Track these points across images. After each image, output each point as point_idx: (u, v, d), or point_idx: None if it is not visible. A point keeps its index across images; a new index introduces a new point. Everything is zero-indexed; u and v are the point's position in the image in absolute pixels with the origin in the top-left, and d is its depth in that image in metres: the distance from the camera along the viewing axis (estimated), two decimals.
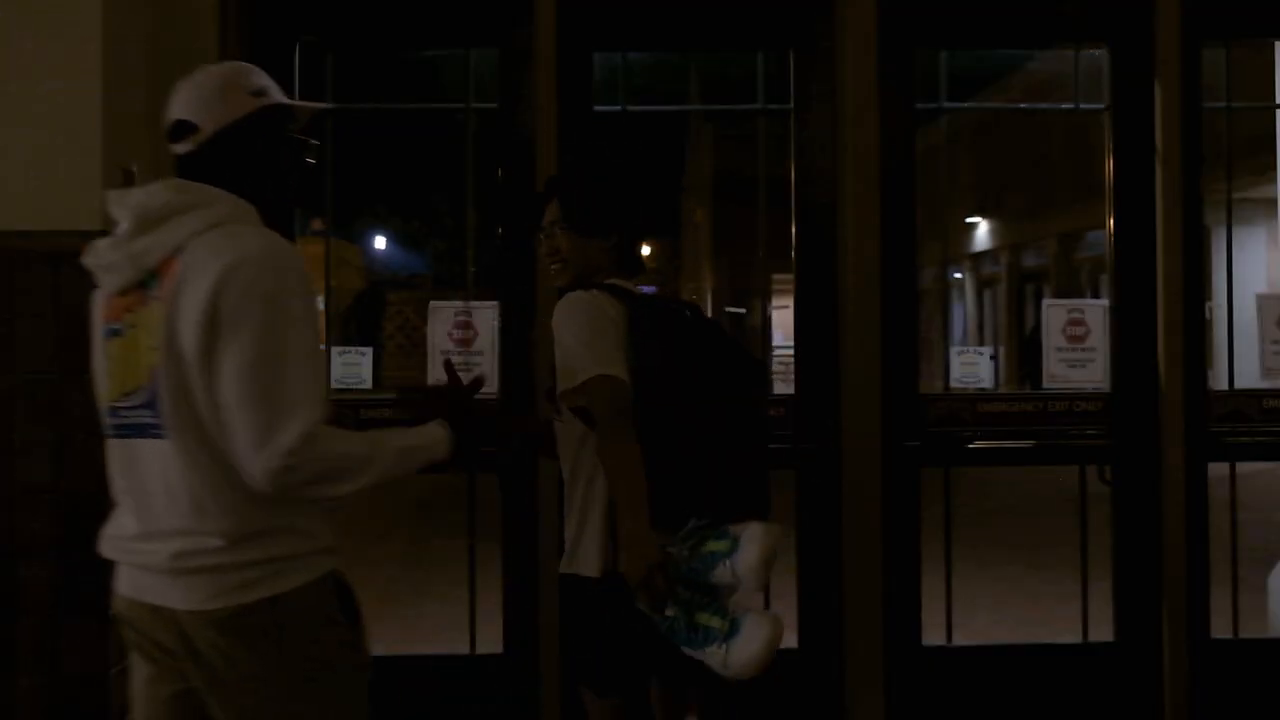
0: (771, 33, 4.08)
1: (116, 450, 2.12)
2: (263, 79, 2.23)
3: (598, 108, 4.03)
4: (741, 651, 2.46)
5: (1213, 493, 4.03)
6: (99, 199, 3.34)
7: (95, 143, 3.35)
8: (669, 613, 2.48)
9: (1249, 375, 4.11)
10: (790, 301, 4.08)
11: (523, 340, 3.91)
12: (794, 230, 4.07)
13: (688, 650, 2.51)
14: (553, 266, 2.85)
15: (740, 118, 4.68)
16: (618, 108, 4.06)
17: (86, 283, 2.16)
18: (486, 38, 3.99)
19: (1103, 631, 4.08)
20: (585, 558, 2.67)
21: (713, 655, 2.48)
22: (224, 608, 1.97)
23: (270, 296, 1.93)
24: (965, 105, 10.84)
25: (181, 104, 2.17)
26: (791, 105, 4.09)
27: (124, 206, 2.07)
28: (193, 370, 1.94)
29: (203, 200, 2.05)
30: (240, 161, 2.12)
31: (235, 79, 2.18)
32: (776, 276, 4.45)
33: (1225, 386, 4.12)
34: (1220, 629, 4.07)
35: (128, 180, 3.51)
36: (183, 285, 1.95)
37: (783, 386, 4.13)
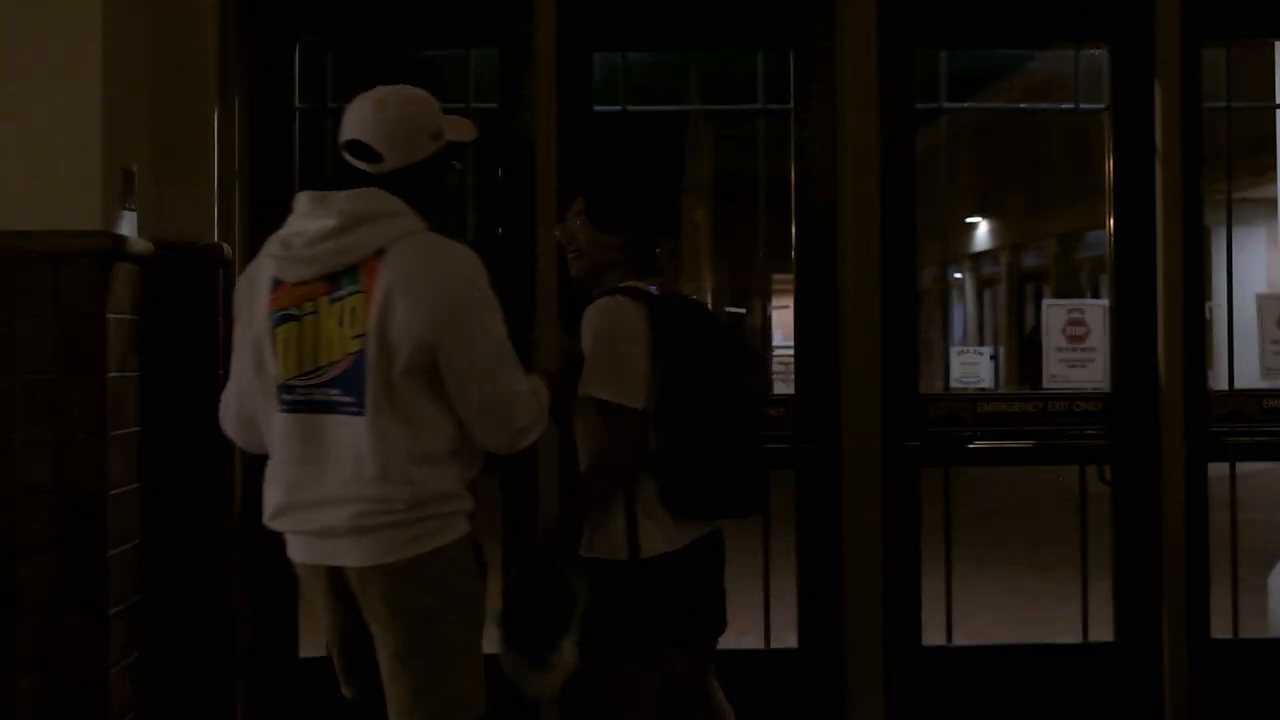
0: (771, 33, 4.08)
1: (289, 424, 2.37)
2: (439, 116, 2.50)
3: (598, 108, 4.03)
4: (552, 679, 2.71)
5: (1213, 493, 4.03)
6: (99, 199, 3.36)
7: (95, 143, 3.35)
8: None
9: (1249, 375, 4.11)
10: (790, 301, 4.08)
11: (523, 340, 3.89)
12: (794, 230, 4.07)
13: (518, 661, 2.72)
14: (569, 254, 3.02)
15: (740, 118, 4.69)
16: (618, 108, 4.06)
17: (87, 283, 2.17)
18: (486, 38, 3.99)
19: (1103, 631, 4.08)
20: (611, 542, 2.82)
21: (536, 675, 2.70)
22: (399, 560, 2.33)
23: (484, 293, 2.37)
24: (965, 105, 10.84)
25: (370, 131, 2.41)
26: (791, 105, 4.09)
27: (327, 206, 2.35)
28: (401, 358, 2.27)
29: (398, 209, 2.36)
30: (414, 189, 2.41)
31: (423, 122, 2.45)
32: (776, 276, 4.46)
33: (1225, 386, 4.12)
34: (1220, 629, 4.07)
35: (128, 180, 3.51)
36: (394, 288, 2.28)
37: (783, 386, 4.14)
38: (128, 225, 3.51)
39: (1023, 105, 20.62)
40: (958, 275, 25.99)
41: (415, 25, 4.01)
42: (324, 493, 2.34)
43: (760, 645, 4.13)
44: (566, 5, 3.92)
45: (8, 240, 3.31)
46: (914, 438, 3.98)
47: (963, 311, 26.27)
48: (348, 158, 2.42)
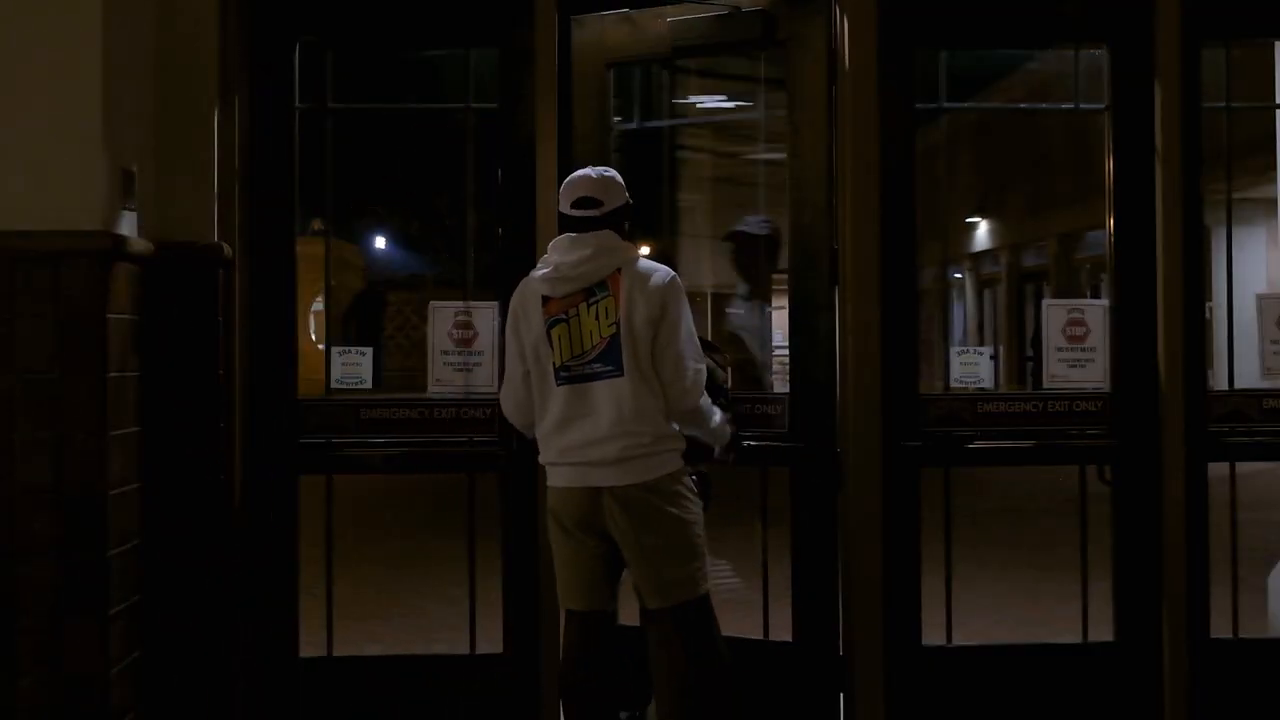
0: (771, 33, 4.08)
1: (564, 392, 3.44)
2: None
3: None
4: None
5: (1213, 493, 4.03)
6: (99, 199, 3.36)
7: (95, 143, 3.36)
8: None
9: (1249, 375, 4.11)
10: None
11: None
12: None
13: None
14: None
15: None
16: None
17: (87, 283, 2.17)
18: (486, 38, 3.99)
19: (1103, 631, 4.08)
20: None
21: None
22: (646, 480, 3.41)
23: (683, 298, 3.48)
24: (965, 105, 10.84)
25: (593, 190, 3.49)
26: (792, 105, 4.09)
27: (583, 243, 3.44)
28: (641, 337, 3.39)
29: (621, 244, 3.49)
30: (615, 225, 3.50)
31: (620, 180, 3.57)
32: (776, 276, 4.46)
33: (1225, 386, 4.12)
34: (1220, 629, 4.07)
35: (128, 180, 3.51)
36: (632, 291, 3.41)
37: (782, 386, 4.14)
38: (128, 225, 3.52)
39: (1023, 105, 20.64)
40: (958, 275, 25.99)
41: (415, 25, 4.02)
42: (595, 435, 3.39)
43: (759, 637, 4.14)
44: (567, 5, 3.94)
45: (8, 240, 3.31)
46: (914, 438, 3.98)
47: (963, 311, 26.27)
48: (576, 212, 3.47)
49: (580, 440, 3.41)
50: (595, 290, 3.43)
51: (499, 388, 3.88)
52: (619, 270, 3.43)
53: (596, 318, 3.42)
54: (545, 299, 3.46)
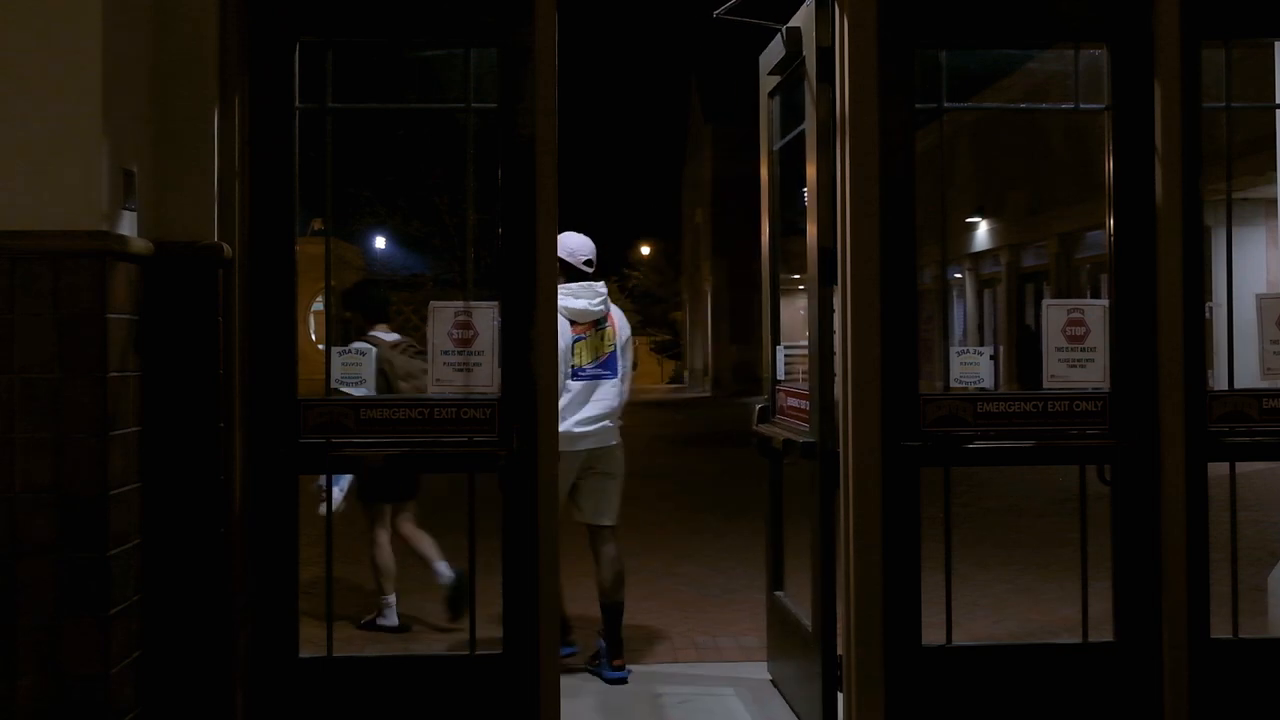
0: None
1: (583, 386, 5.26)
2: None
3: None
4: None
5: (1213, 493, 4.03)
6: (99, 199, 3.36)
7: (95, 143, 3.36)
8: None
9: (1249, 375, 4.11)
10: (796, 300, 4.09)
11: (523, 340, 3.91)
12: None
13: None
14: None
15: (738, 118, 4.70)
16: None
17: (87, 283, 2.17)
18: (486, 37, 3.99)
19: (1103, 631, 4.08)
20: None
21: None
22: (615, 444, 5.39)
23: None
24: (965, 105, 10.84)
25: (593, 252, 5.43)
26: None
27: (594, 292, 5.33)
28: (623, 354, 5.40)
29: (605, 291, 5.41)
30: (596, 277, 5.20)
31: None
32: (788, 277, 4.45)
33: (1225, 386, 4.12)
34: (1220, 629, 4.07)
35: (128, 180, 3.51)
36: (619, 325, 5.42)
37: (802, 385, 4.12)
38: (128, 225, 3.51)
39: (1023, 105, 20.65)
40: (958, 275, 25.99)
41: (415, 25, 4.01)
42: (596, 415, 5.29)
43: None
44: (568, 5, 3.94)
45: (8, 240, 3.31)
46: (914, 438, 3.99)
47: (963, 311, 26.27)
48: (588, 269, 5.35)
49: (589, 415, 5.28)
50: (600, 322, 5.37)
51: (499, 387, 3.89)
52: (609, 310, 5.43)
53: (602, 339, 5.36)
54: (573, 323, 5.27)
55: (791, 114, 4.75)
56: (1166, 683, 3.98)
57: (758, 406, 4.98)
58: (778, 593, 4.99)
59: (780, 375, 4.92)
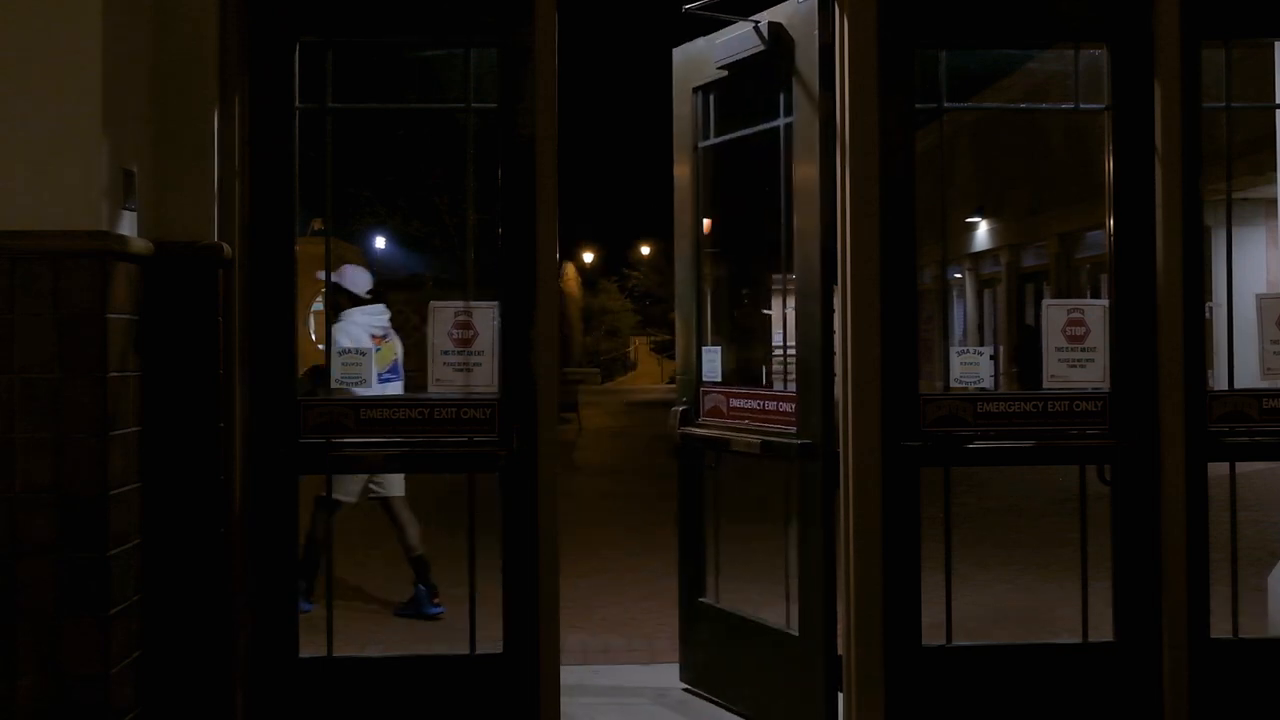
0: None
1: (380, 388, 5.50)
2: None
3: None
4: None
5: (1213, 493, 4.03)
6: (99, 199, 3.36)
7: (95, 143, 3.36)
8: None
9: (1249, 375, 4.11)
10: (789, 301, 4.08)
11: (523, 340, 3.91)
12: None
13: None
14: None
15: (736, 119, 4.71)
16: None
17: (87, 283, 2.17)
18: (487, 37, 3.99)
19: (1103, 631, 4.08)
20: None
21: None
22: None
23: None
24: (965, 105, 10.83)
25: (369, 281, 6.30)
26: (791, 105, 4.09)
27: (381, 312, 6.44)
28: (400, 364, 6.14)
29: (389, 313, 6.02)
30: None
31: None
32: (775, 276, 4.45)
33: (1225, 386, 4.12)
34: (1220, 629, 4.07)
35: (128, 180, 3.51)
36: (397, 343, 6.61)
37: (782, 385, 4.13)
38: (128, 225, 3.51)
39: (1023, 105, 20.64)
40: (958, 275, 26.00)
41: (415, 25, 4.01)
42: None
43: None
44: (567, 5, 3.94)
45: (8, 240, 3.31)
46: (914, 438, 3.98)
47: (963, 311, 26.28)
48: (369, 298, 5.97)
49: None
50: (387, 336, 6.45)
51: (499, 387, 3.89)
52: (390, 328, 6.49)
53: (390, 351, 6.46)
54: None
55: (727, 110, 4.65)
56: (1166, 683, 3.98)
57: (678, 409, 4.90)
58: (702, 599, 4.92)
59: (706, 376, 4.79)
